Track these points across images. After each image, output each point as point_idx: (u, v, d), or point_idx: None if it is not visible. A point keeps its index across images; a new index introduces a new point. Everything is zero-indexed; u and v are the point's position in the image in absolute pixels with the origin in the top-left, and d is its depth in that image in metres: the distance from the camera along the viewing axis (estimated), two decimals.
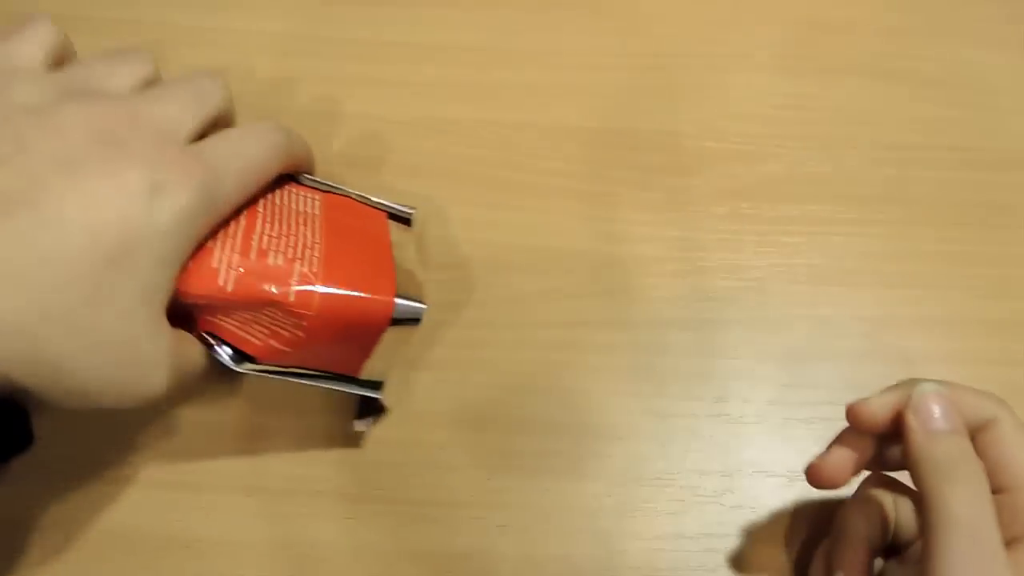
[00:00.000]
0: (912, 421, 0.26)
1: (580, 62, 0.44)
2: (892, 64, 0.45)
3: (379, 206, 0.34)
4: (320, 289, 0.27)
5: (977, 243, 0.40)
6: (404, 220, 0.34)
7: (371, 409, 0.33)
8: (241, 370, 0.27)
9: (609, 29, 0.45)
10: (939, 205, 0.41)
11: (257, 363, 0.28)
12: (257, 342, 0.28)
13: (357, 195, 0.33)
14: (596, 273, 0.38)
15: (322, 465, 0.33)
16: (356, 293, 0.28)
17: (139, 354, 0.24)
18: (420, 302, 0.31)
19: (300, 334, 0.27)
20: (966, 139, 0.43)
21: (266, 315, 0.27)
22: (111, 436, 0.33)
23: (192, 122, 0.27)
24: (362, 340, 0.30)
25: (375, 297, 0.29)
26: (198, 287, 0.26)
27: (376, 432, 0.34)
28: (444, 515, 0.32)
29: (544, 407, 0.35)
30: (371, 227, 0.32)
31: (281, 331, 0.27)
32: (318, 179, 0.32)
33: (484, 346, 0.36)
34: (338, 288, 0.28)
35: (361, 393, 0.31)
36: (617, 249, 0.38)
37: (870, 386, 0.36)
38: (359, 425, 0.33)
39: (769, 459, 0.33)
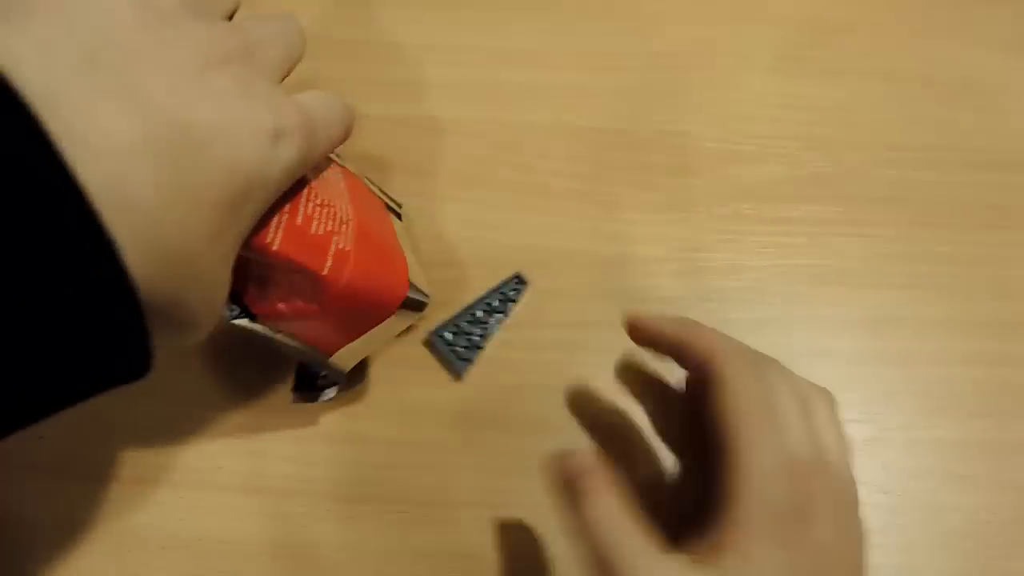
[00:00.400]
0: None
1: (581, 63, 0.44)
2: (893, 65, 0.45)
3: (377, 195, 0.34)
4: (351, 267, 0.27)
5: (977, 244, 0.40)
6: (395, 214, 0.34)
7: (312, 387, 0.33)
8: (236, 322, 0.27)
9: (610, 30, 0.45)
10: (940, 206, 0.41)
11: (255, 321, 0.28)
12: (265, 302, 0.27)
13: (364, 178, 0.33)
14: (597, 273, 0.38)
15: (322, 465, 0.33)
16: (378, 276, 0.28)
17: (217, 298, 0.24)
18: (425, 292, 0.31)
19: (314, 305, 0.27)
20: (967, 140, 0.43)
21: (290, 279, 0.27)
22: (111, 436, 0.33)
23: (284, 68, 0.26)
24: (362, 322, 0.30)
25: (392, 282, 0.29)
26: (250, 240, 0.25)
27: (376, 432, 0.34)
28: (444, 515, 0.32)
29: (545, 407, 0.35)
30: (380, 212, 0.32)
31: (296, 298, 0.27)
32: (336, 153, 0.32)
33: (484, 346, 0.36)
34: (366, 269, 0.28)
35: (330, 372, 0.31)
36: (618, 249, 0.38)
37: (869, 386, 0.36)
38: (296, 398, 0.33)
39: None
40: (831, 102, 0.43)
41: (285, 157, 0.24)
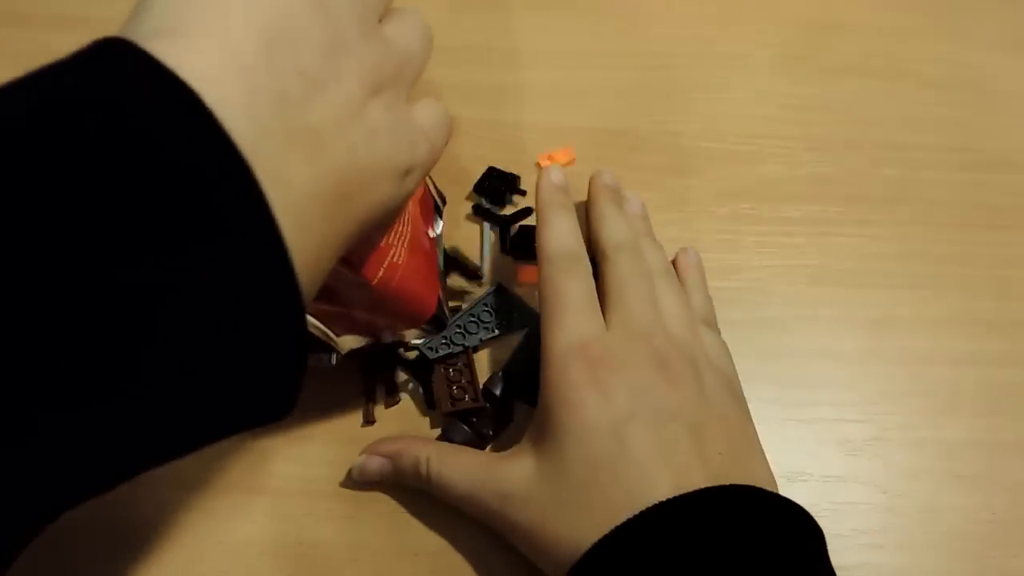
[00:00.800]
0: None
1: (581, 62, 0.44)
2: (893, 64, 0.45)
3: (431, 194, 0.33)
4: (397, 279, 0.27)
5: (977, 244, 0.40)
6: (439, 210, 0.34)
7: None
8: None
9: (610, 30, 0.45)
10: (940, 206, 0.41)
11: None
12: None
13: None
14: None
15: (322, 465, 0.33)
16: (415, 294, 0.29)
17: None
18: (447, 316, 0.32)
19: (350, 306, 0.27)
20: (967, 140, 0.43)
21: (334, 278, 0.26)
22: None
23: (417, 79, 0.25)
24: (384, 326, 0.30)
25: (423, 301, 0.30)
26: None
27: (377, 432, 0.34)
28: (444, 515, 0.32)
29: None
30: (429, 216, 0.32)
31: (335, 295, 0.27)
32: None
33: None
34: (407, 285, 0.28)
35: (332, 348, 0.31)
36: None
37: (870, 386, 0.36)
38: None
39: (769, 459, 0.33)
40: (831, 102, 0.43)
41: (407, 190, 0.24)
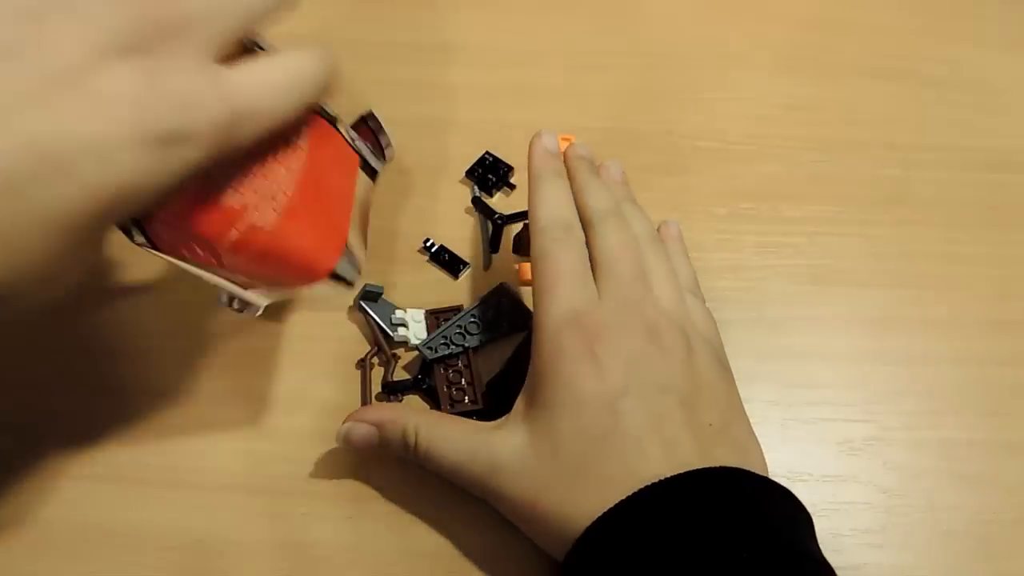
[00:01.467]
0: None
1: (581, 62, 0.44)
2: (893, 64, 0.45)
3: (355, 148, 0.31)
4: (263, 243, 0.26)
5: (978, 244, 0.40)
6: (372, 172, 0.32)
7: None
8: (135, 242, 0.25)
9: (610, 30, 0.45)
10: (940, 206, 0.41)
11: (158, 250, 0.26)
12: (167, 244, 0.26)
13: (344, 129, 0.30)
14: None
15: (321, 465, 0.33)
16: (296, 253, 0.27)
17: (42, 287, 0.22)
18: (357, 268, 0.29)
19: (214, 260, 0.26)
20: (967, 140, 0.43)
21: (190, 234, 0.25)
22: (111, 437, 0.33)
23: (231, 38, 0.23)
24: (275, 283, 0.28)
25: (312, 261, 0.27)
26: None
27: None
28: (444, 515, 0.32)
29: None
30: (344, 171, 0.30)
31: (197, 248, 0.26)
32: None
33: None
34: (285, 244, 0.26)
35: (249, 303, 0.28)
36: None
37: (870, 386, 0.36)
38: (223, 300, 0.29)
39: (769, 459, 0.33)
40: (831, 102, 0.43)
41: (178, 161, 0.21)
